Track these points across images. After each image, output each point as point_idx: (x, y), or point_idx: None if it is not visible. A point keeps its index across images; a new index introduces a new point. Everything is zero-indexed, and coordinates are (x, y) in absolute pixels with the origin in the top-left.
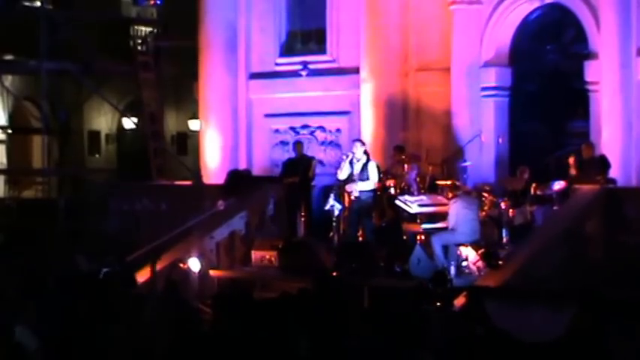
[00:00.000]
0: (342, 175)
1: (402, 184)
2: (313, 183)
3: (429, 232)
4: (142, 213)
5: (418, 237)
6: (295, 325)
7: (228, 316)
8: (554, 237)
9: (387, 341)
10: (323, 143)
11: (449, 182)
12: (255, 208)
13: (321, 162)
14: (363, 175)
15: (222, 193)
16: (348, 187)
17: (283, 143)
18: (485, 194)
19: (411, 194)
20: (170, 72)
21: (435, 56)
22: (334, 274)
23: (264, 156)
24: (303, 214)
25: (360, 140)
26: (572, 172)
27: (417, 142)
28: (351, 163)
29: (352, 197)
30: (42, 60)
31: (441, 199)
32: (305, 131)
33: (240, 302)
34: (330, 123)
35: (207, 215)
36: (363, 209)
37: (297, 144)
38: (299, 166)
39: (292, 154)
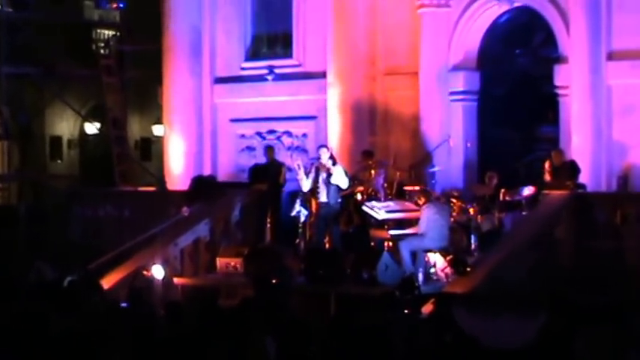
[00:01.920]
0: (306, 185)
1: (370, 190)
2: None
3: (396, 239)
4: (105, 220)
5: (386, 243)
6: (257, 330)
7: (183, 323)
8: (523, 243)
9: (354, 350)
10: (289, 148)
11: (417, 188)
12: (220, 214)
13: (288, 167)
14: (331, 182)
15: (186, 200)
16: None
17: (249, 149)
18: (454, 200)
19: (379, 200)
20: (134, 76)
21: (403, 60)
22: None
23: (229, 162)
24: (269, 220)
25: (325, 146)
26: (547, 177)
27: (385, 147)
28: (309, 172)
29: (319, 202)
30: (1, 64)
31: (408, 204)
32: (271, 136)
33: (195, 309)
34: (297, 128)
35: (172, 222)
36: (331, 215)
37: (268, 149)
38: (269, 171)
39: (259, 160)
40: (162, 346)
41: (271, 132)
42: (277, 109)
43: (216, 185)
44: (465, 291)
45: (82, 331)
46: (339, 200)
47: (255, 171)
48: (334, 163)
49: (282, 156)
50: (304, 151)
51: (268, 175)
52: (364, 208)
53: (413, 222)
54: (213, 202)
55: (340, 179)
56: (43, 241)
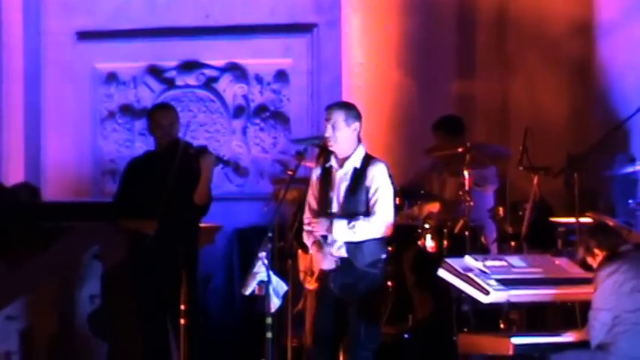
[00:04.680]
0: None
1: (459, 224)
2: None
3: (530, 357)
4: None
5: None
6: None
7: None
8: None
9: None
10: (239, 114)
11: (586, 219)
12: (48, 293)
13: (229, 165)
14: (357, 205)
15: None
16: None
17: (129, 114)
18: None
19: (483, 251)
20: None
21: None
22: None
23: (76, 147)
24: (183, 306)
25: (346, 104)
26: None
27: (496, 109)
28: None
29: (327, 264)
30: None
31: (562, 265)
32: (189, 79)
33: None
34: (258, 57)
35: None
36: (359, 296)
37: (158, 111)
38: (166, 172)
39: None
40: None
41: (188, 68)
42: (204, 4)
43: (37, 212)
44: None
45: None
46: (383, 256)
47: (137, 171)
48: (369, 159)
49: (217, 135)
50: (278, 122)
51: (163, 180)
52: (442, 273)
53: (576, 315)
54: (31, 262)
55: (381, 206)
56: None
